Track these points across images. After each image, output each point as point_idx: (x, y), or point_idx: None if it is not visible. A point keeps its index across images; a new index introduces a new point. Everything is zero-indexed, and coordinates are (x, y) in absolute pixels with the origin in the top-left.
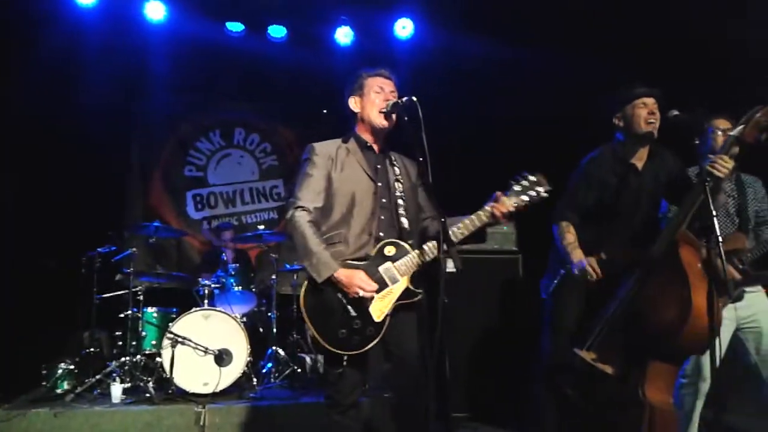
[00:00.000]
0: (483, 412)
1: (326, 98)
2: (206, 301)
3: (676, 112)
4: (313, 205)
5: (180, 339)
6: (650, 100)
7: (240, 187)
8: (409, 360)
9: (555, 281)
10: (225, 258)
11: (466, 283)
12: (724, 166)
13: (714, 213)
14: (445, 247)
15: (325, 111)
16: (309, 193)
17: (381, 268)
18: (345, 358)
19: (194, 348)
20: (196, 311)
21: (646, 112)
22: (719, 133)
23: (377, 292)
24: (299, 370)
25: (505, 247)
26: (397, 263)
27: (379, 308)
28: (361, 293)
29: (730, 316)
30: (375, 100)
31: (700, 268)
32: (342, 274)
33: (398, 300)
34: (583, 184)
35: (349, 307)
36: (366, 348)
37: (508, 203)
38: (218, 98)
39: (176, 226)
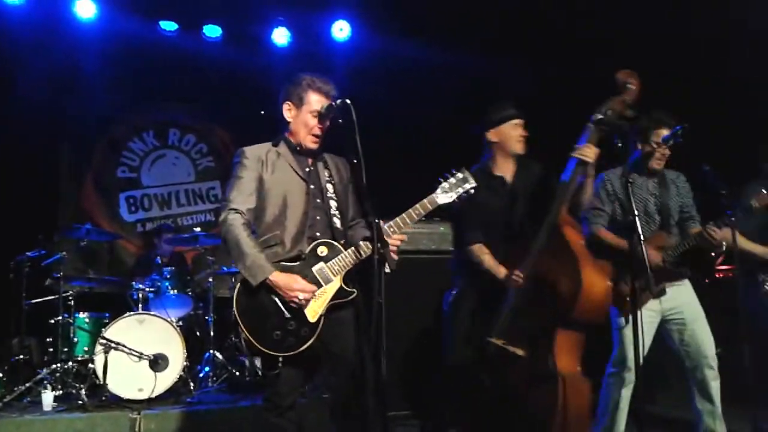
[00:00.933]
0: (423, 409)
1: (264, 99)
2: (140, 306)
3: (600, 116)
4: (246, 207)
5: (113, 344)
6: (522, 121)
7: (175, 188)
8: (346, 359)
9: (453, 292)
10: (159, 261)
11: (403, 282)
12: (590, 151)
13: (634, 212)
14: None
15: (263, 112)
16: (240, 195)
17: (314, 269)
18: (280, 359)
19: (128, 353)
20: (129, 316)
21: (518, 133)
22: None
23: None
24: (237, 374)
25: (442, 247)
26: (330, 263)
27: (314, 309)
28: (301, 296)
29: (654, 308)
30: (310, 122)
31: (584, 245)
32: (279, 279)
33: (332, 300)
34: (465, 204)
35: (283, 308)
36: (301, 349)
37: (395, 239)
38: (152, 98)
39: (109, 229)
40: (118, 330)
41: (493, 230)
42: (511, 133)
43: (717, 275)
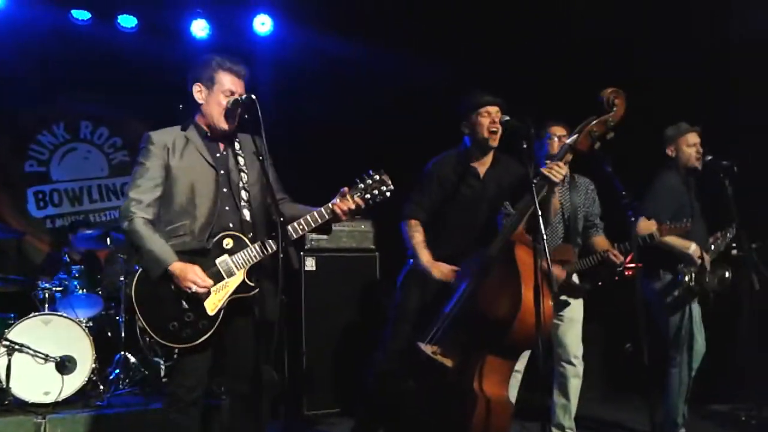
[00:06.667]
0: (352, 407)
1: (182, 93)
2: (47, 305)
3: (507, 118)
4: (151, 198)
5: (17, 346)
6: (494, 109)
7: (87, 183)
8: (243, 356)
9: (403, 272)
10: (68, 259)
11: (324, 281)
12: (558, 171)
13: (539, 213)
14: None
15: (181, 106)
16: (144, 184)
17: (218, 261)
18: (176, 351)
19: (33, 355)
20: (35, 316)
21: (488, 121)
22: (555, 139)
23: (213, 284)
24: (150, 376)
25: (363, 246)
26: (235, 256)
27: (213, 302)
28: (194, 288)
29: None
30: (222, 102)
31: (531, 266)
32: (177, 268)
33: (233, 294)
34: (428, 185)
35: (182, 299)
36: (197, 341)
37: (350, 202)
38: (62, 89)
39: (16, 225)
40: (23, 331)
41: (447, 222)
42: (482, 122)
43: (627, 273)
